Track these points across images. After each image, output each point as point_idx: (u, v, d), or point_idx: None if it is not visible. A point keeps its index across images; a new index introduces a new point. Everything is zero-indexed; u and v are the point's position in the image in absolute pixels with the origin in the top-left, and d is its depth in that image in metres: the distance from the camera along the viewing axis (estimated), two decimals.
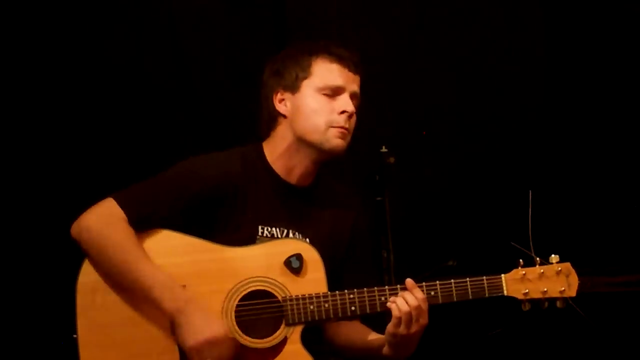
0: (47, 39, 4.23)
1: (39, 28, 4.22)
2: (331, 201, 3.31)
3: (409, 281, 3.06)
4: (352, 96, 3.24)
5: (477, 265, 3.21)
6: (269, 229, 3.19)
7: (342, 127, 3.20)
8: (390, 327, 3.03)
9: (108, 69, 4.31)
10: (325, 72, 3.21)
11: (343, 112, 3.20)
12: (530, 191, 3.14)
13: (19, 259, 4.11)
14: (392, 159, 3.63)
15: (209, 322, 2.99)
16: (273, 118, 3.27)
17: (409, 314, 3.00)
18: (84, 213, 3.10)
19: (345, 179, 3.71)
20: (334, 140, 3.20)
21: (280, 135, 3.25)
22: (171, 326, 3.03)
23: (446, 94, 4.53)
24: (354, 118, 3.25)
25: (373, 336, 3.20)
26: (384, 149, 3.86)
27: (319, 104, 3.20)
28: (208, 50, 4.45)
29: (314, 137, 3.19)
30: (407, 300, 3.02)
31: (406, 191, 4.27)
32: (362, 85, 3.37)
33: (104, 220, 3.07)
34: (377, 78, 4.38)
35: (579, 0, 4.53)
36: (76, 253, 3.11)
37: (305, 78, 3.21)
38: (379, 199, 3.73)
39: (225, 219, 3.14)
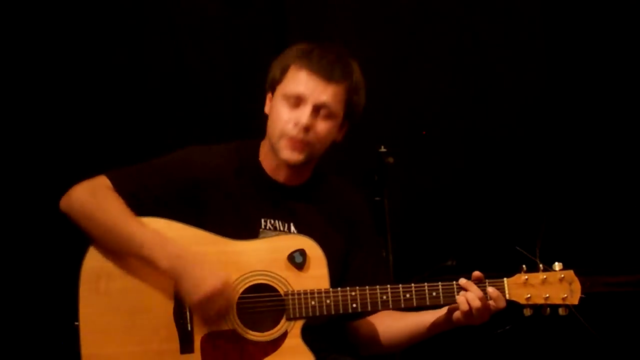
0: (48, 35, 4.24)
1: (39, 25, 4.23)
2: (327, 199, 3.25)
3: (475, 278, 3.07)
4: (318, 107, 3.11)
5: (477, 265, 3.20)
6: (272, 221, 3.18)
7: (292, 139, 3.11)
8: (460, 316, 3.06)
9: (109, 69, 4.33)
10: (292, 79, 3.12)
11: (296, 123, 3.11)
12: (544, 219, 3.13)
13: (20, 249, 4.13)
14: (391, 159, 3.64)
15: (206, 276, 2.98)
16: (266, 115, 3.25)
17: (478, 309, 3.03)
18: (73, 187, 3.10)
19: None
20: (284, 151, 3.12)
21: (267, 134, 3.23)
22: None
23: (446, 94, 4.54)
24: (317, 131, 3.12)
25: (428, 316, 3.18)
26: (382, 149, 3.86)
27: (280, 111, 3.12)
28: (208, 51, 4.46)
29: (273, 142, 3.15)
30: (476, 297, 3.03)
31: (405, 191, 4.28)
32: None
33: (92, 189, 3.07)
34: (377, 78, 4.38)
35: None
36: (78, 240, 3.09)
37: (280, 82, 3.15)
38: (377, 198, 3.74)
39: (216, 211, 3.13)
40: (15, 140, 4.21)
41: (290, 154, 3.12)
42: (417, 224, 4.45)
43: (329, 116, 3.14)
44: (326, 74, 3.10)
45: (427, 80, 4.52)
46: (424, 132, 4.48)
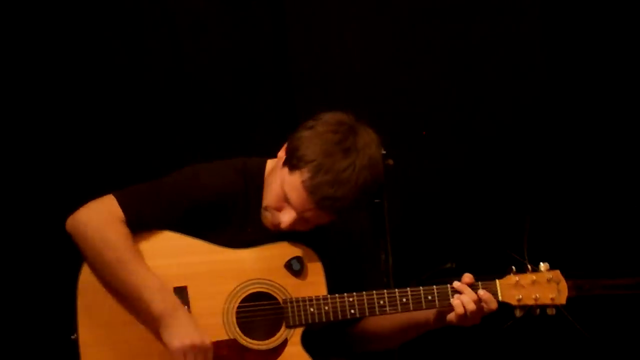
0: (47, 39, 4.24)
1: (39, 28, 4.23)
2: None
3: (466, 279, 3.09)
4: (303, 219, 3.06)
5: (477, 267, 3.22)
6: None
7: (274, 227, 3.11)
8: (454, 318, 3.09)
9: (107, 69, 4.33)
10: (294, 188, 3.02)
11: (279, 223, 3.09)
12: (528, 216, 3.14)
13: (18, 258, 4.14)
14: (390, 161, 3.63)
15: (197, 329, 2.99)
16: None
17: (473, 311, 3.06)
18: (82, 207, 3.08)
19: None
20: (264, 220, 3.13)
21: (275, 166, 3.18)
22: (154, 328, 3.03)
23: (445, 96, 4.53)
24: (300, 227, 3.10)
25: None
26: (382, 151, 3.86)
27: (273, 196, 3.08)
28: (207, 50, 4.45)
29: (262, 205, 3.14)
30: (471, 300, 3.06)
31: (405, 193, 4.28)
32: (361, 88, 3.31)
33: (102, 218, 3.05)
34: (376, 79, 4.40)
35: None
36: (76, 252, 3.10)
37: (287, 168, 3.05)
38: (377, 201, 3.74)
39: (222, 231, 3.13)
40: (6, 143, 4.22)
41: (266, 224, 3.12)
42: (416, 226, 4.45)
43: (315, 222, 3.10)
44: (325, 205, 3.01)
45: (427, 81, 4.51)
46: (424, 133, 4.48)
